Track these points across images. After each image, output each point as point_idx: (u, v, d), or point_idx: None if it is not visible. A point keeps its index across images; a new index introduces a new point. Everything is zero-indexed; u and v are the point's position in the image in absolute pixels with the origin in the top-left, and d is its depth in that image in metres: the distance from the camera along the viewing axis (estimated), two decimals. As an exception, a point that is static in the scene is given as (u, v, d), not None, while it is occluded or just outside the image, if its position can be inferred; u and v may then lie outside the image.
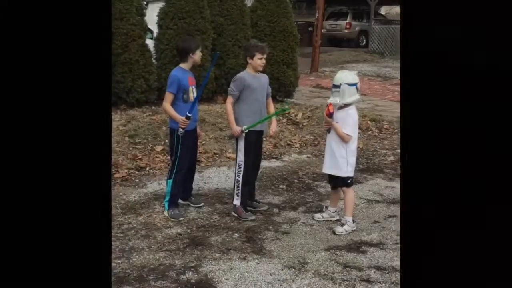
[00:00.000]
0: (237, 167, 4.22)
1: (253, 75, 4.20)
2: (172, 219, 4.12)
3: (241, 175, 4.21)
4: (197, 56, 4.19)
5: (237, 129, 4.13)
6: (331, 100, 3.97)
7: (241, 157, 4.19)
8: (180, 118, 4.01)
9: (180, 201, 4.44)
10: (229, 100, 4.19)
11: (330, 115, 3.91)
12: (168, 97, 4.09)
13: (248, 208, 4.36)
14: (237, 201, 4.25)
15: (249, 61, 4.17)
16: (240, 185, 4.22)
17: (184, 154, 4.17)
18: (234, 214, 4.27)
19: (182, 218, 4.15)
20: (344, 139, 3.91)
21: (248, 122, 4.15)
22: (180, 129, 4.05)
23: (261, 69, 4.22)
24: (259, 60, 4.14)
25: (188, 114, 3.97)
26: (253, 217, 4.22)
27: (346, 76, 3.94)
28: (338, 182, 4.09)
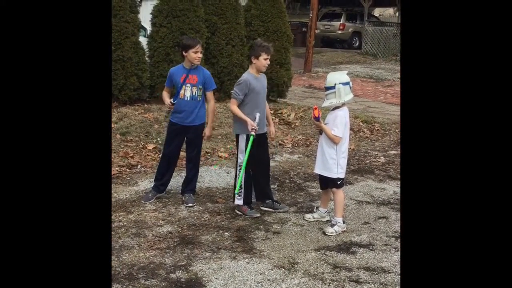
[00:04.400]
0: (238, 168, 4.22)
1: (256, 77, 4.18)
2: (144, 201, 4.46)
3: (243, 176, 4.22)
4: (190, 55, 4.23)
5: (252, 123, 4.07)
6: (326, 103, 3.99)
7: (241, 158, 4.19)
8: (167, 101, 4.36)
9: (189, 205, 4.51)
10: (234, 102, 4.13)
11: (316, 118, 3.92)
12: (164, 88, 4.54)
13: (268, 209, 4.38)
14: (239, 201, 4.25)
15: (254, 61, 4.13)
16: (243, 186, 4.21)
17: (166, 143, 4.54)
18: (238, 212, 4.29)
19: (148, 202, 4.43)
20: (333, 140, 3.93)
21: (246, 126, 4.11)
22: (166, 109, 4.47)
23: (264, 69, 4.20)
24: (264, 61, 4.10)
25: (172, 101, 4.29)
26: (258, 214, 4.25)
27: (339, 76, 3.96)
28: (328, 183, 4.10)
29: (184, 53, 4.26)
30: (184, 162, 4.71)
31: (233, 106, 4.16)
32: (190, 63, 4.28)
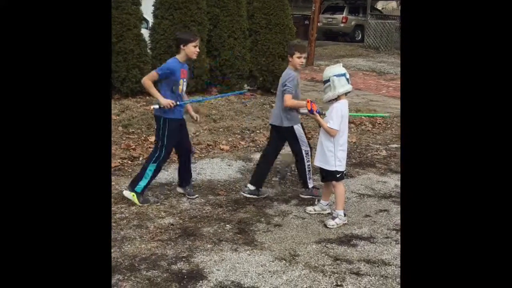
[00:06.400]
0: (305, 154, 4.51)
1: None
2: (143, 204, 4.21)
3: (310, 160, 4.52)
4: (189, 49, 4.13)
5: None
6: (324, 97, 4.05)
7: (304, 146, 4.50)
8: (162, 99, 4.08)
9: (178, 189, 4.58)
10: (290, 97, 4.28)
11: (310, 111, 4.03)
12: (152, 74, 4.17)
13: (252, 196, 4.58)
14: (312, 183, 4.58)
15: (290, 59, 4.39)
16: (311, 169, 4.56)
17: (169, 141, 4.25)
18: (306, 196, 4.56)
19: (150, 202, 4.29)
20: (329, 133, 3.95)
21: (297, 117, 4.44)
22: (159, 105, 4.11)
23: (299, 67, 4.43)
24: (297, 59, 4.34)
25: (179, 103, 4.19)
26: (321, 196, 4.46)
27: (333, 69, 4.01)
28: (327, 176, 4.11)
29: (182, 47, 4.13)
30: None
31: (291, 100, 4.28)
32: (186, 57, 4.19)
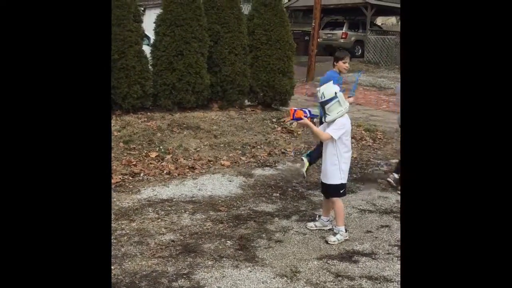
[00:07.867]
0: None
1: None
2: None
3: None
4: (339, 65, 5.25)
5: None
6: (333, 115, 3.92)
7: None
8: None
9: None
10: None
11: (297, 119, 4.00)
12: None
13: None
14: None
15: None
16: None
17: None
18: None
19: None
20: (320, 136, 4.00)
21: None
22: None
23: None
24: None
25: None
26: None
27: (330, 86, 3.98)
28: (331, 191, 4.10)
29: (335, 63, 5.29)
30: (186, 169, 4.75)
31: None
32: (338, 71, 5.24)
